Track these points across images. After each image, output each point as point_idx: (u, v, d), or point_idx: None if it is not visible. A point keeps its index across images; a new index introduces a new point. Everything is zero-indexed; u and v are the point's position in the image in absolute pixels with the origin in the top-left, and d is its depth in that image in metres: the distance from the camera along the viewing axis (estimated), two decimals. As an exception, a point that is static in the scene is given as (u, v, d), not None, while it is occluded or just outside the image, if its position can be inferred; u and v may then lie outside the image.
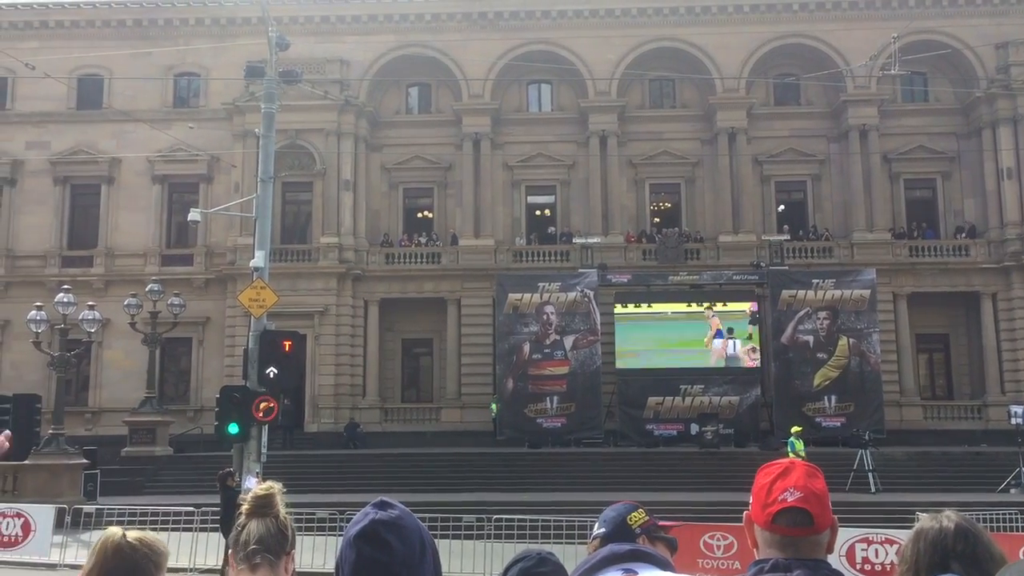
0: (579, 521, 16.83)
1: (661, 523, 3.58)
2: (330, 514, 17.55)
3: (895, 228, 39.19)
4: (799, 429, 28.42)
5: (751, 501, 2.47)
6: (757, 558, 2.43)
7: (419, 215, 41.92)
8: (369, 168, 40.71)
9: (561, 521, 18.10)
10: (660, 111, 41.55)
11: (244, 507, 2.73)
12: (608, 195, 39.84)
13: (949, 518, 2.68)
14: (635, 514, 3.46)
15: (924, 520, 2.71)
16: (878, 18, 39.24)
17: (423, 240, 40.46)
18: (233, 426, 15.36)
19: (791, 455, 25.47)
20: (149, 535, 2.62)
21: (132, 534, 2.58)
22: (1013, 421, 29.89)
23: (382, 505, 2.36)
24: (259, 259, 17.32)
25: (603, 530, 3.40)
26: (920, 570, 2.61)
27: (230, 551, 2.73)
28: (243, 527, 2.68)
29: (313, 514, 17.56)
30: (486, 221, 39.85)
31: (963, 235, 38.79)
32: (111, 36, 40.79)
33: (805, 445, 27.57)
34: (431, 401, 39.43)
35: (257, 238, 17.76)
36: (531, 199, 41.70)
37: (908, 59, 36.58)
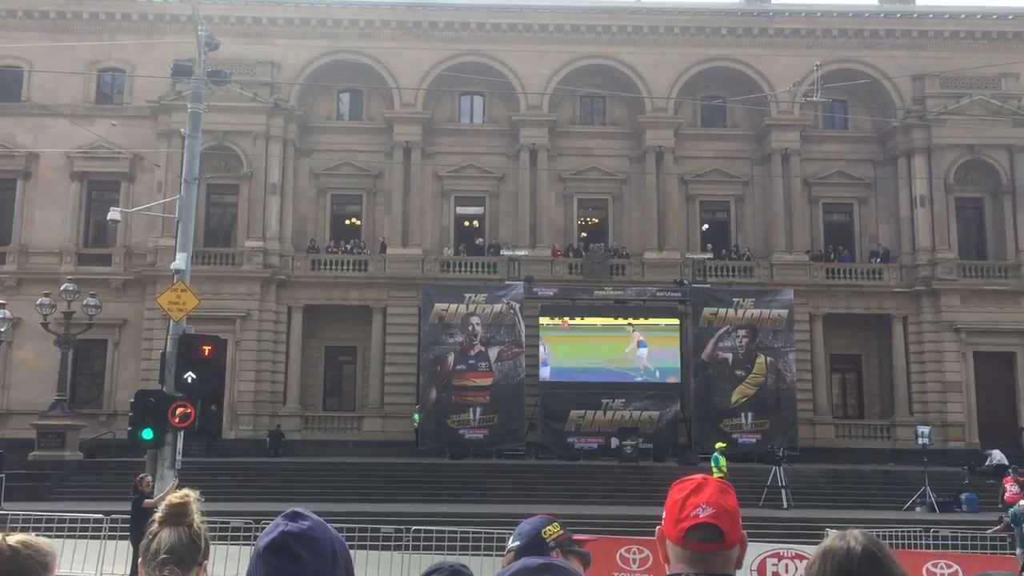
0: (498, 533, 16.86)
1: (575, 537, 3.59)
2: (245, 523, 17.25)
3: (813, 250, 40.27)
4: (723, 445, 28.91)
5: (664, 516, 2.49)
6: (668, 573, 2.46)
7: (347, 222, 41.59)
8: (297, 173, 40.27)
9: (480, 533, 18.10)
10: (590, 127, 42.04)
11: (157, 515, 2.67)
12: (537, 208, 40.11)
13: (856, 539, 2.61)
14: (550, 528, 3.46)
15: (832, 539, 2.65)
16: (802, 46, 40.36)
17: (350, 247, 40.15)
18: (147, 431, 15.00)
19: (714, 470, 26.00)
20: (33, 538, 2.53)
21: (13, 538, 2.49)
22: (920, 441, 31.00)
23: (293, 516, 2.27)
24: (180, 261, 16.99)
25: (518, 543, 3.40)
26: None
27: (140, 560, 2.67)
28: (154, 536, 2.62)
29: (228, 523, 17.24)
30: (415, 230, 39.74)
31: (877, 259, 40.04)
32: (32, 28, 39.60)
33: (733, 461, 28.05)
34: (353, 410, 39.07)
35: (179, 240, 17.42)
36: (460, 210, 41.74)
37: (830, 87, 37.76)
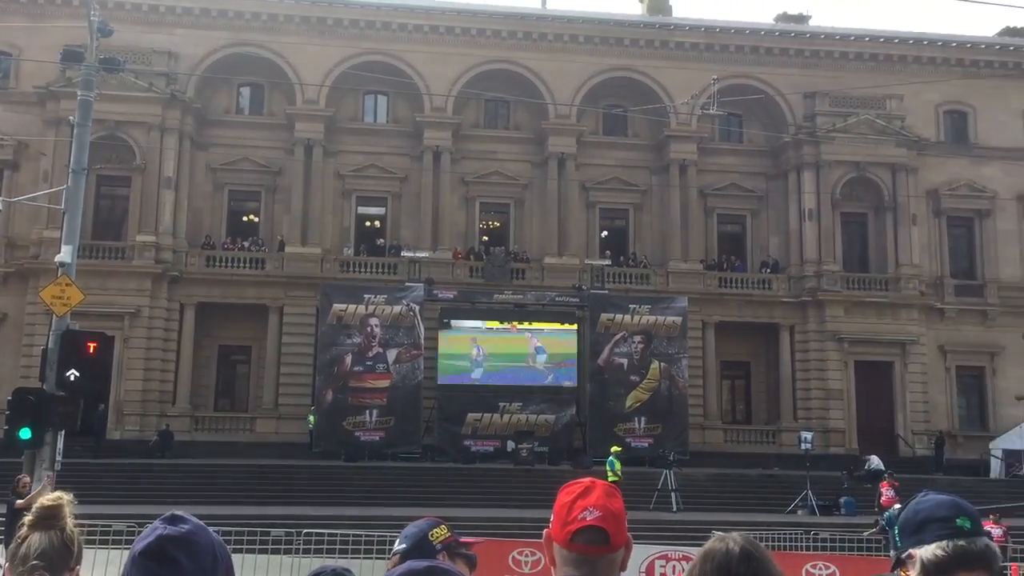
0: (390, 536, 16.76)
1: (463, 539, 3.58)
2: (128, 526, 16.70)
3: (707, 259, 41.34)
4: (619, 449, 29.34)
5: (552, 519, 2.51)
6: (554, 575, 2.48)
7: (245, 219, 40.74)
8: (194, 167, 39.24)
9: (373, 536, 17.97)
10: (494, 131, 42.23)
11: (27, 518, 2.58)
12: (439, 210, 40.06)
13: (736, 541, 2.66)
14: (436, 530, 3.44)
15: (712, 541, 2.70)
16: (701, 60, 41.42)
17: (247, 244, 39.32)
18: (25, 431, 14.38)
19: (609, 474, 26.44)
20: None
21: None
22: (803, 446, 32.14)
23: (172, 520, 2.21)
24: (66, 254, 16.36)
25: (403, 546, 3.38)
26: None
27: (6, 564, 2.57)
28: (24, 539, 2.52)
29: (109, 526, 16.66)
30: (314, 229, 39.19)
31: (767, 270, 41.38)
32: (-90, 3, 37.56)
33: (623, 464, 28.48)
34: (246, 411, 38.27)
35: (65, 232, 16.76)
36: (362, 210, 41.37)
37: (726, 100, 38.87)
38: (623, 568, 2.50)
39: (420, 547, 3.34)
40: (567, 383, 36.25)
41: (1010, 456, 36.24)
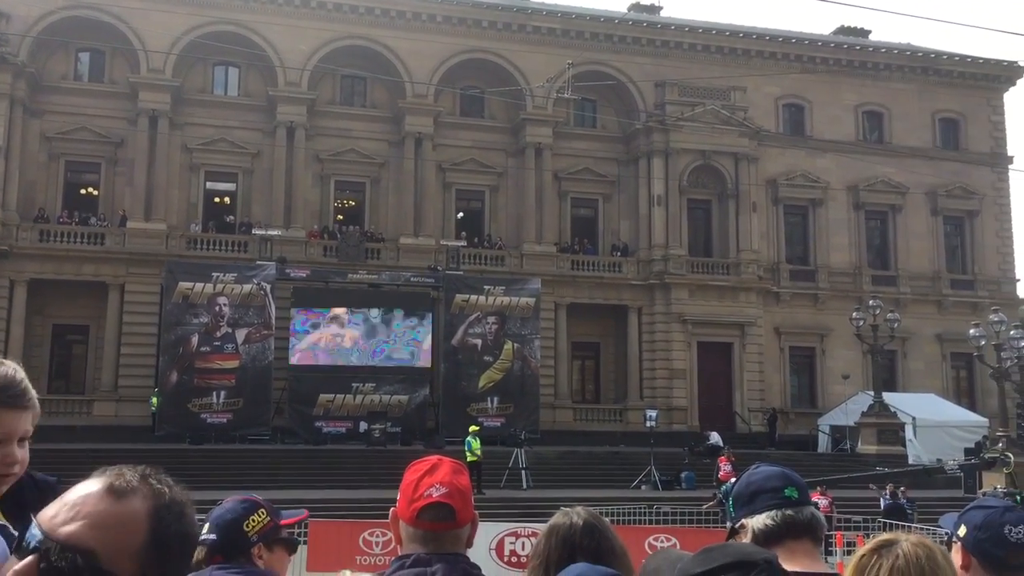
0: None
1: (284, 522, 3.26)
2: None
3: (560, 242, 42.15)
4: (476, 428, 29.60)
5: (398, 497, 2.52)
6: (400, 554, 2.48)
7: (83, 192, 38.71)
8: (26, 135, 36.95)
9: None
10: (350, 109, 41.59)
11: None
12: (292, 188, 39.19)
13: (579, 514, 2.83)
14: (253, 518, 3.05)
15: (557, 516, 2.86)
16: (558, 45, 42.00)
17: (86, 219, 37.38)
18: None
19: (467, 454, 26.74)
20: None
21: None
22: (647, 424, 33.40)
23: None
24: None
25: (212, 537, 2.97)
26: (550, 564, 2.72)
27: None
28: None
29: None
30: (159, 204, 37.63)
31: (618, 253, 42.56)
32: None
33: (484, 443, 28.76)
34: (83, 393, 36.51)
35: None
36: (210, 185, 40.01)
37: (581, 85, 39.64)
38: (469, 544, 2.53)
39: (232, 540, 2.95)
40: (421, 364, 36.29)
41: (836, 431, 38.69)
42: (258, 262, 35.75)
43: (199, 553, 2.80)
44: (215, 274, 34.69)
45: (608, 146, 43.89)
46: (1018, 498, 20.84)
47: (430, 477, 2.48)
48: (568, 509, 2.89)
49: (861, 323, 36.57)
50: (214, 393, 33.93)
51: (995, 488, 25.41)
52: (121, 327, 36.23)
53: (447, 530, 2.45)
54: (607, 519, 2.96)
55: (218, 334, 34.38)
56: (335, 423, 34.80)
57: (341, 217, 41.12)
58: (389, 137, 41.33)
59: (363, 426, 33.76)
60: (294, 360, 35.14)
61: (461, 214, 42.47)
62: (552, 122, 42.09)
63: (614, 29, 42.98)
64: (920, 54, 47.11)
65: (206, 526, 2.94)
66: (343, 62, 40.47)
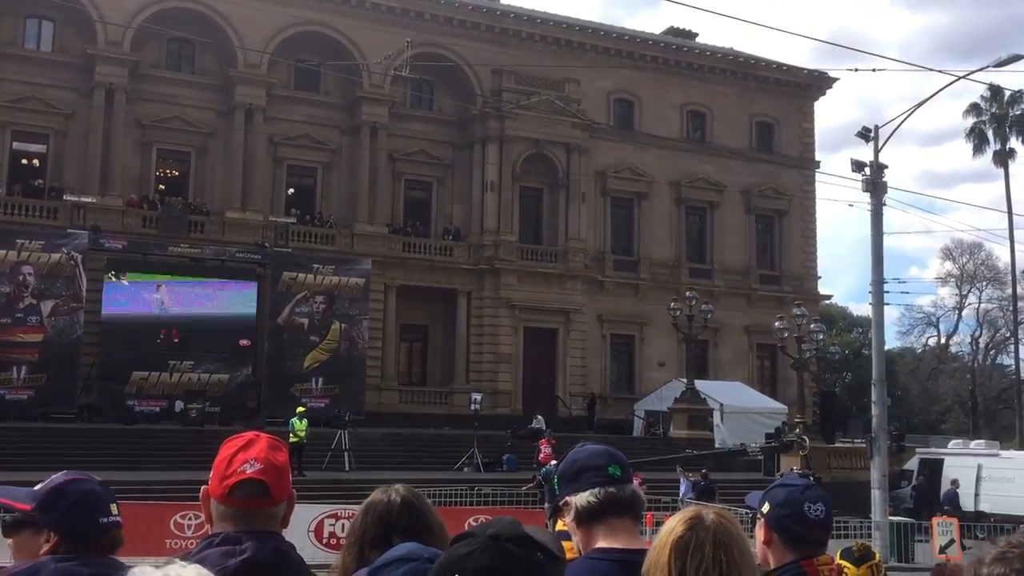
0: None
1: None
2: None
3: (393, 224, 41.90)
4: (303, 409, 29.00)
5: (211, 475, 2.43)
6: (211, 533, 2.41)
7: None
8: None
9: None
10: (177, 74, 39.80)
11: None
12: (110, 154, 37.11)
13: (397, 492, 2.83)
14: None
15: (375, 494, 2.86)
16: (397, 24, 41.59)
17: None
18: None
19: (290, 434, 26.29)
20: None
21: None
22: (472, 407, 33.85)
23: None
24: None
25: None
26: (365, 542, 2.71)
27: None
28: None
29: None
30: (-43, 162, 34.81)
31: (449, 237, 42.74)
32: None
33: (310, 425, 28.19)
34: None
35: None
36: (17, 146, 37.38)
37: (419, 65, 39.53)
38: (285, 524, 2.47)
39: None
40: (243, 342, 35.27)
41: (651, 416, 40.41)
42: (69, 230, 33.67)
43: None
44: (19, 241, 32.46)
45: (444, 130, 43.92)
46: (811, 479, 22.51)
47: (245, 453, 2.40)
48: (387, 487, 2.87)
49: (678, 313, 38.30)
50: (15, 368, 31.79)
51: (791, 470, 27.36)
52: (-91, 294, 33.33)
53: (260, 508, 2.37)
54: (428, 499, 2.97)
55: (21, 305, 32.19)
56: (149, 402, 33.31)
57: (163, 187, 39.35)
58: (218, 107, 39.81)
59: (179, 405, 32.51)
60: (106, 335, 33.28)
61: (292, 190, 41.49)
62: (389, 102, 41.71)
63: (454, 12, 42.98)
64: (741, 59, 49.58)
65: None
66: (171, 24, 38.55)
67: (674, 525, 2.18)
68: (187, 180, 39.67)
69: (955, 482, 28.59)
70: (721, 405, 38.64)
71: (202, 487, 2.48)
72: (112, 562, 2.55)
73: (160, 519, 16.36)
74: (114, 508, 2.66)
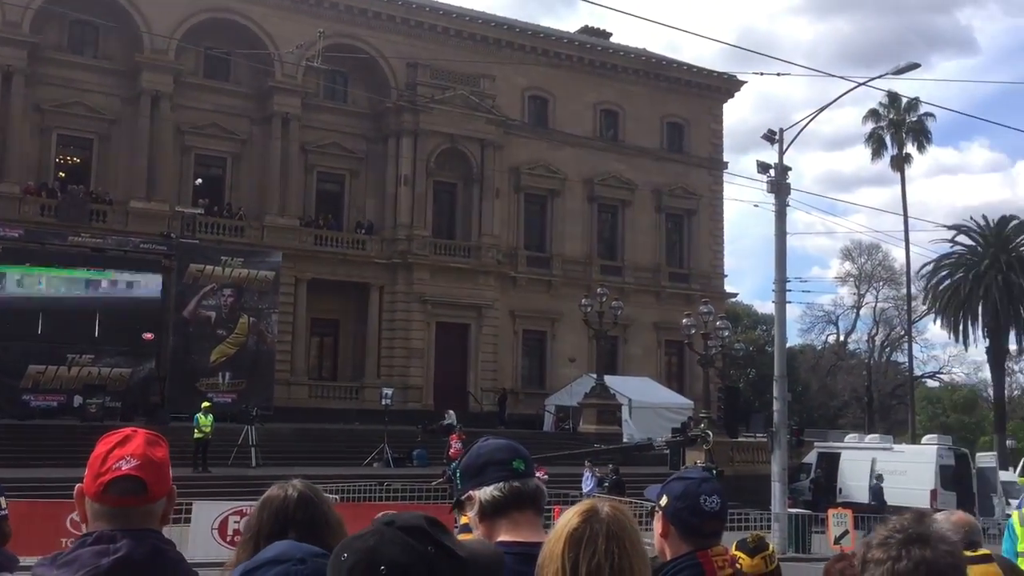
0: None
1: None
2: None
3: (305, 216, 41.33)
4: (208, 405, 28.41)
5: (86, 472, 2.35)
6: (84, 532, 2.33)
7: None
8: None
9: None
10: (79, 58, 38.49)
11: None
12: (7, 139, 35.76)
13: (295, 487, 2.78)
14: None
15: (272, 489, 2.81)
16: (311, 14, 40.99)
17: None
18: None
19: (195, 430, 25.73)
20: None
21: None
22: (383, 402, 33.66)
23: None
24: None
25: None
26: (261, 538, 2.64)
27: None
28: None
29: None
30: None
31: (362, 231, 42.37)
32: None
33: (216, 420, 27.62)
34: None
35: None
36: (-95, 127, 35.57)
37: (333, 56, 39.08)
38: (165, 521, 2.42)
39: None
40: (147, 335, 34.31)
41: (561, 411, 40.83)
42: (-39, 218, 32.25)
43: None
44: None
45: (358, 122, 43.50)
46: (713, 472, 23.05)
47: (121, 449, 2.33)
48: (284, 482, 2.83)
49: (589, 310, 38.78)
50: None
51: (696, 463, 28.02)
52: None
53: (136, 505, 2.31)
54: (333, 496, 2.95)
55: (-92, 295, 30.73)
56: (45, 396, 32.15)
57: (64, 175, 38.01)
58: (123, 93, 38.66)
59: (78, 400, 31.48)
60: None
61: (200, 180, 40.51)
62: (301, 92, 41.10)
63: (368, 4, 42.57)
64: (654, 60, 50.39)
65: None
66: (74, 6, 37.17)
67: (569, 517, 2.22)
68: (89, 168, 38.41)
69: (880, 477, 29.55)
70: (630, 400, 39.27)
71: (76, 485, 2.39)
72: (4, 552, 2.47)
73: (55, 518, 15.84)
74: (2, 501, 2.59)
